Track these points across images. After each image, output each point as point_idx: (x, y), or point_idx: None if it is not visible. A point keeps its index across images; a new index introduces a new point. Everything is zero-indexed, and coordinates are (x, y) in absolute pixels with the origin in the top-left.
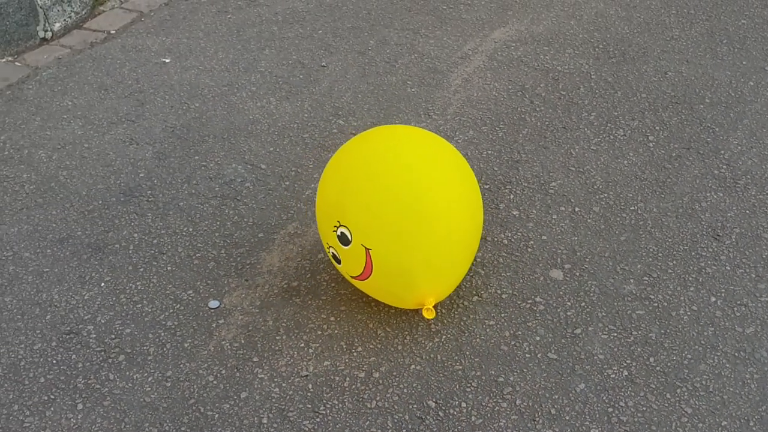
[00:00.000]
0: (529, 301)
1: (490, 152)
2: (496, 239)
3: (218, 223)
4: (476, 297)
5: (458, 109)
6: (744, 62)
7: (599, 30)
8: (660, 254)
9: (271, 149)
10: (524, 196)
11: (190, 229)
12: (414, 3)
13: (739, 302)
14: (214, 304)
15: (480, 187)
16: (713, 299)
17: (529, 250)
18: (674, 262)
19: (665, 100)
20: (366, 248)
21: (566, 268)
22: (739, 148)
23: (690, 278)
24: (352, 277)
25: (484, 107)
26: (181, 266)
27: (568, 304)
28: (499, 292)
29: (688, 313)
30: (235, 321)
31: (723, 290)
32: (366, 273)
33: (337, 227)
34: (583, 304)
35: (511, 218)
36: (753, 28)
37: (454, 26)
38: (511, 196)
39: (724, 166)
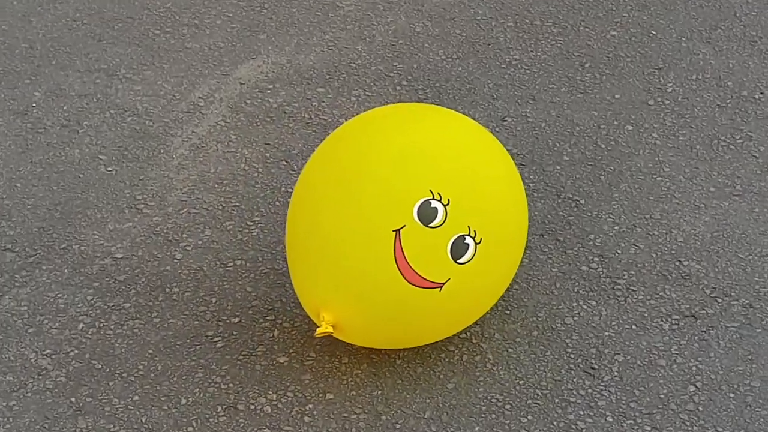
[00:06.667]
0: None
1: (239, 262)
2: None
3: None
4: None
5: (185, 196)
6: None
7: (401, 57)
8: None
9: None
10: None
11: None
12: (107, 27)
13: None
14: None
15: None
16: None
17: None
18: None
19: None
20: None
21: None
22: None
23: None
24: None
25: (229, 189)
26: None
27: None
28: None
29: None
30: None
31: None
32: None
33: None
34: None
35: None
36: (626, 41)
37: (174, 61)
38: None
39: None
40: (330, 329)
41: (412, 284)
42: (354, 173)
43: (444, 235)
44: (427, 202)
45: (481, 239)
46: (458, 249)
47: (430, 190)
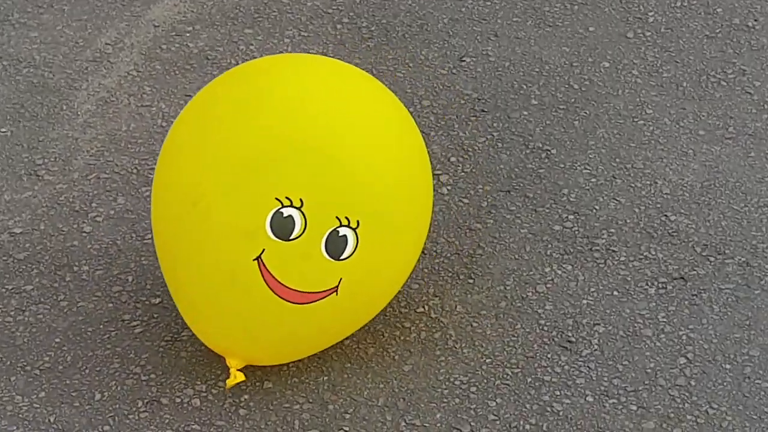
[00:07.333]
0: None
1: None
2: None
3: None
4: None
5: (94, 159)
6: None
7: None
8: None
9: None
10: None
11: None
12: None
13: None
14: None
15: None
16: None
17: None
18: None
19: (466, 108)
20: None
21: None
22: None
23: None
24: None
25: (144, 150)
26: None
27: None
28: None
29: None
30: None
31: None
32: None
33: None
34: None
35: None
36: None
37: (75, 2)
38: None
39: None
40: (241, 377)
41: (302, 303)
42: (195, 207)
43: (312, 240)
44: (278, 214)
45: (358, 222)
46: (336, 246)
47: (276, 198)
